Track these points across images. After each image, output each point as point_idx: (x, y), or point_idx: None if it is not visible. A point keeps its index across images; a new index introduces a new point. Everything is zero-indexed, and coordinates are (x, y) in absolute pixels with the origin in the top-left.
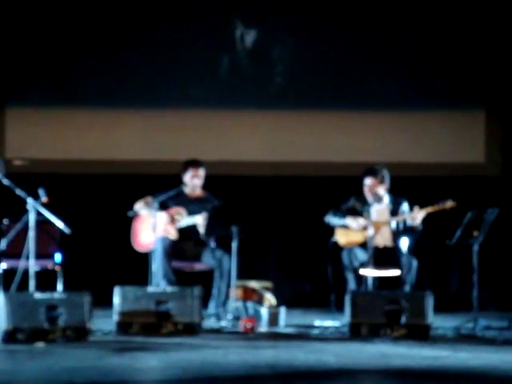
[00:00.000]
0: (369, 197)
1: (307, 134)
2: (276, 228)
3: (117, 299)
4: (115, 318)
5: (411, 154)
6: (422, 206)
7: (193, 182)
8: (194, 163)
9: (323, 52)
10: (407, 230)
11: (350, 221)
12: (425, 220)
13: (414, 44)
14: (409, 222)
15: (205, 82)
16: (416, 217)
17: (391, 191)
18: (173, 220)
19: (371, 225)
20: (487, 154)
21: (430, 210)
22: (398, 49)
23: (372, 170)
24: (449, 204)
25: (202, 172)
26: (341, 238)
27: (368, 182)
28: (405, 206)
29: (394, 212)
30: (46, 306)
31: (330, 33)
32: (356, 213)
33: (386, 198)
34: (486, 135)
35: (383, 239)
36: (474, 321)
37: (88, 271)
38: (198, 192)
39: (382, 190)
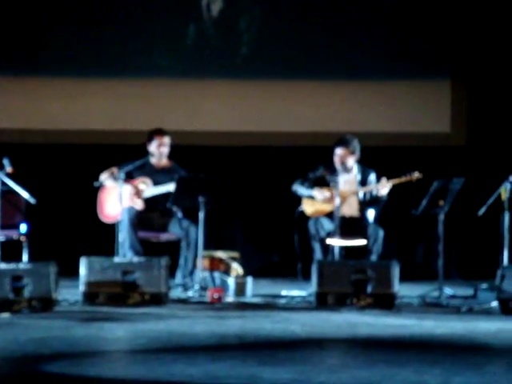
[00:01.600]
0: (338, 167)
1: (274, 103)
2: (243, 198)
3: (83, 269)
4: (81, 288)
5: (377, 124)
6: (388, 177)
7: (159, 150)
8: (159, 132)
9: (289, 21)
10: (373, 200)
11: (315, 192)
12: (391, 190)
13: (379, 13)
14: (374, 193)
15: (171, 51)
16: (383, 188)
17: (360, 162)
18: (138, 191)
19: (338, 195)
20: (453, 123)
21: (396, 181)
22: (363, 17)
23: (344, 140)
24: (415, 176)
25: (167, 140)
26: (308, 207)
27: (339, 151)
28: (372, 177)
29: (363, 182)
30: (12, 276)
31: (296, 2)
32: (323, 182)
33: (355, 169)
34: (452, 104)
35: (350, 209)
36: (439, 289)
37: (54, 241)
38: (165, 162)
39: (351, 161)
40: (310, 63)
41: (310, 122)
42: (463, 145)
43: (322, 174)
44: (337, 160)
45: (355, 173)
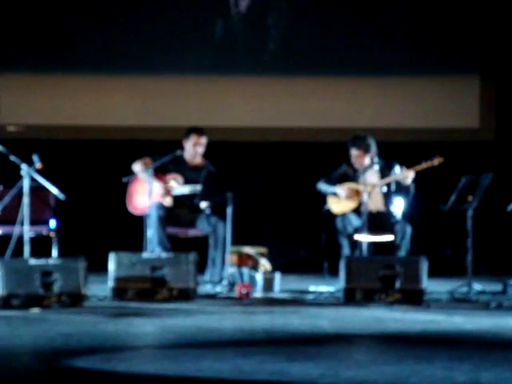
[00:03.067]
0: (358, 166)
1: (301, 99)
2: (271, 194)
3: (112, 265)
4: (110, 283)
5: (406, 120)
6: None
7: (195, 149)
8: (197, 130)
9: (317, 18)
10: (399, 190)
11: (338, 189)
12: (420, 185)
13: (408, 9)
14: (400, 183)
15: (199, 47)
16: (406, 176)
17: (381, 155)
18: (167, 189)
19: (365, 190)
20: (481, 118)
21: (418, 168)
22: (392, 13)
23: (355, 141)
24: (437, 160)
25: (204, 140)
26: (333, 205)
27: (353, 153)
28: (396, 169)
29: (386, 176)
30: (41, 272)
31: None
32: (348, 179)
33: (376, 164)
34: (480, 100)
35: (374, 204)
36: (467, 285)
37: (83, 237)
38: (198, 160)
39: (367, 159)
40: (336, 59)
41: (338, 118)
42: (492, 140)
43: (345, 171)
44: (353, 160)
45: (375, 168)
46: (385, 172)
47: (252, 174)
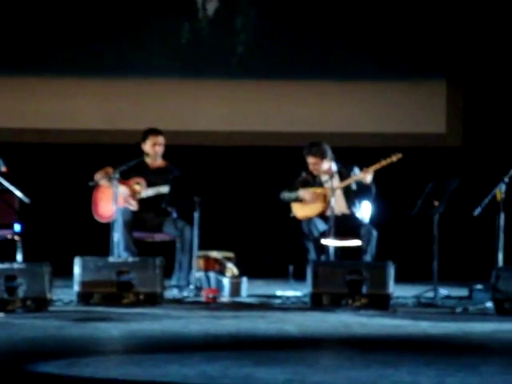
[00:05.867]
0: (316, 173)
1: (269, 103)
2: (238, 198)
3: (77, 269)
4: (76, 288)
5: (372, 125)
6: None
7: (154, 150)
8: (153, 131)
9: (285, 21)
10: (360, 190)
11: (302, 193)
12: (387, 190)
13: (375, 14)
14: (361, 183)
15: (166, 50)
16: (364, 175)
17: (339, 160)
18: (133, 192)
19: (333, 195)
20: (448, 124)
21: (377, 165)
22: (359, 18)
23: (311, 149)
24: (395, 157)
25: (161, 140)
26: (298, 211)
27: (310, 160)
28: (355, 171)
29: (345, 178)
30: (5, 276)
31: (291, 2)
32: (309, 186)
33: (333, 168)
34: (447, 105)
35: (338, 206)
36: (434, 290)
37: (48, 241)
38: (159, 162)
39: (325, 165)
40: (305, 63)
41: (306, 123)
42: (458, 146)
43: (305, 179)
44: (311, 168)
45: (334, 171)
46: (344, 175)
47: (219, 178)
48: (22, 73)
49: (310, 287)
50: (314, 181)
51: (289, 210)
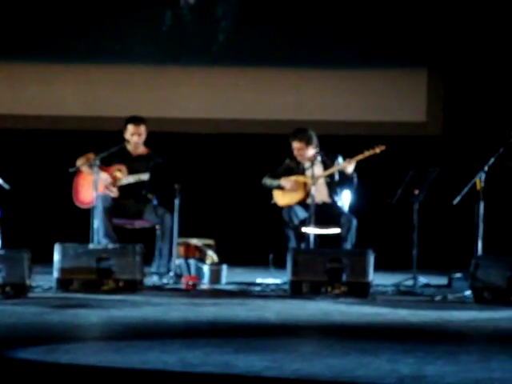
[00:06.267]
0: (300, 159)
1: (250, 91)
2: (218, 186)
3: (57, 256)
4: (55, 274)
5: (352, 113)
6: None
7: (133, 138)
8: (134, 120)
9: (266, 9)
10: (342, 180)
11: (283, 181)
12: (367, 178)
13: (358, 2)
14: (343, 173)
15: (147, 37)
16: (347, 165)
17: (325, 148)
18: (114, 178)
19: (313, 183)
20: (429, 112)
21: (361, 156)
22: (340, 6)
23: (297, 134)
24: (378, 148)
25: (142, 129)
26: (279, 198)
27: (295, 145)
28: (339, 160)
29: (329, 167)
30: None
31: None
32: (292, 173)
33: (318, 157)
34: (428, 94)
35: (319, 195)
36: (413, 278)
37: (27, 228)
38: (141, 149)
39: (310, 151)
40: (285, 51)
41: (286, 110)
42: (439, 134)
43: (289, 165)
44: (296, 153)
45: (318, 160)
46: (328, 164)
47: (200, 165)
48: (1, 59)
49: (289, 275)
50: (297, 167)
51: (269, 197)
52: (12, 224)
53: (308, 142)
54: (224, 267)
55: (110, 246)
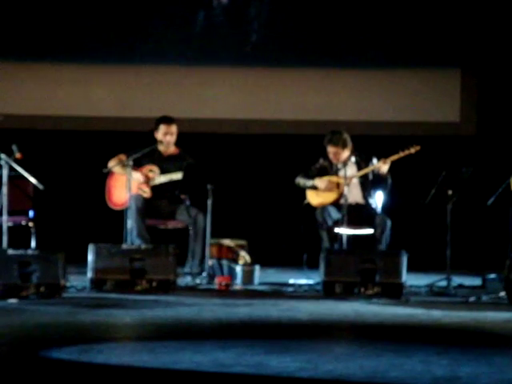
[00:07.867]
0: (335, 161)
1: (283, 91)
2: (251, 186)
3: (91, 256)
4: (89, 275)
5: (386, 113)
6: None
7: (165, 138)
8: (166, 120)
9: (300, 9)
10: (376, 181)
11: (317, 181)
12: (400, 179)
13: (390, 2)
14: (377, 174)
15: (181, 38)
16: (382, 165)
17: (359, 149)
18: (147, 178)
19: (346, 183)
20: (462, 112)
21: (395, 157)
22: (375, 6)
23: (332, 138)
24: (413, 148)
25: (174, 129)
26: (312, 198)
27: (331, 149)
28: (374, 161)
29: (363, 168)
30: (19, 262)
31: None
32: (326, 173)
33: (352, 158)
34: (462, 94)
35: (353, 196)
36: (447, 279)
37: (62, 228)
38: (172, 149)
39: (345, 154)
40: (318, 51)
41: (319, 111)
42: (473, 134)
43: (323, 165)
44: (331, 157)
45: (353, 161)
46: (362, 165)
47: (233, 166)
48: (36, 59)
49: (322, 275)
50: (331, 168)
51: (302, 197)
52: (46, 224)
53: (343, 146)
54: (257, 268)
55: (143, 246)
